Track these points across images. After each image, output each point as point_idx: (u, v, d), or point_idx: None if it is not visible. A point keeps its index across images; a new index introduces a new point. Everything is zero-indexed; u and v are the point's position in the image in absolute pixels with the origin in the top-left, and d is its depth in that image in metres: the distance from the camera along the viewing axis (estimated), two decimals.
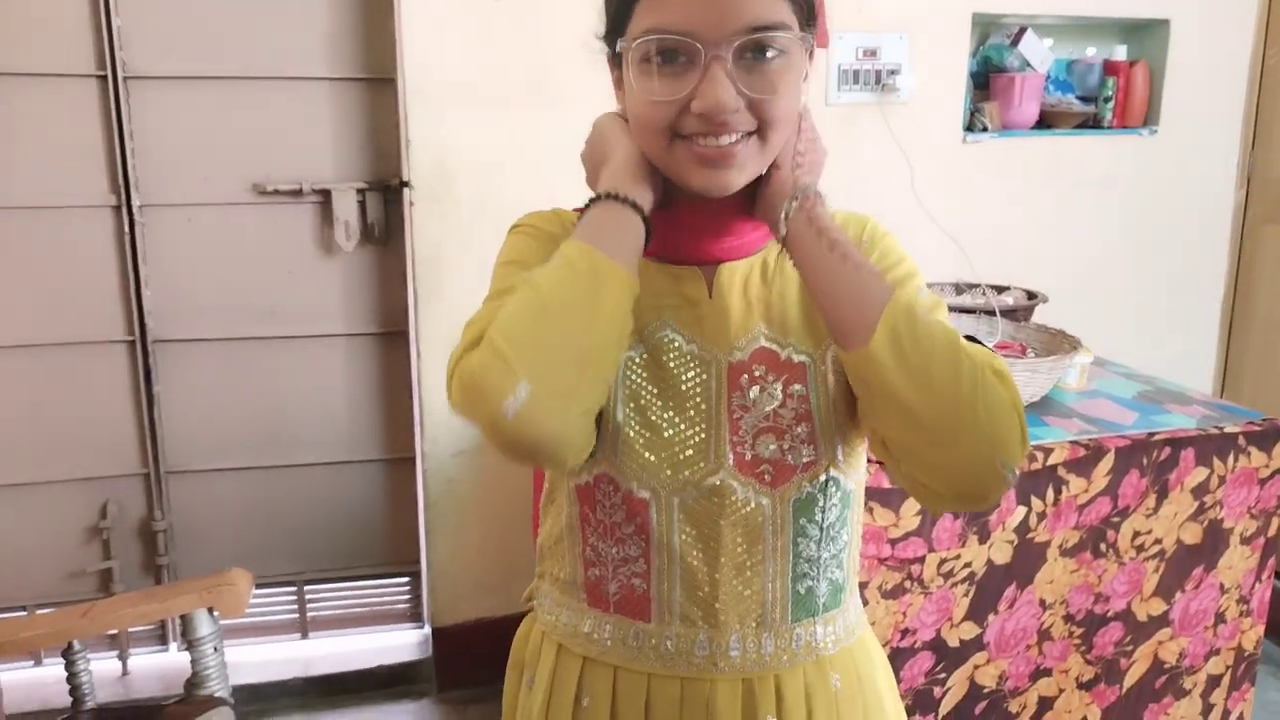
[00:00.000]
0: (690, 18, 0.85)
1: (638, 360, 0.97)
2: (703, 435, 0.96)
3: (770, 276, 1.00)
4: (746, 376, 0.96)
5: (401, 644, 2.75)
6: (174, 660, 2.64)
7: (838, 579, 1.03)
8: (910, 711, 1.79)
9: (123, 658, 2.61)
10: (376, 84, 2.46)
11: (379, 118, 2.48)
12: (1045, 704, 1.91)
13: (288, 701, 2.60)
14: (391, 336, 2.60)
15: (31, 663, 2.58)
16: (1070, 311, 2.52)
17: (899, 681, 1.73)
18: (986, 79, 2.81)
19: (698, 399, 0.96)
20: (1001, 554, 1.78)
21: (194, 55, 2.37)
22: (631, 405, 0.96)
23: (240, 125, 2.42)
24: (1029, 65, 2.76)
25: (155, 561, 2.59)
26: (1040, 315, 2.41)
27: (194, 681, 1.78)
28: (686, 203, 0.95)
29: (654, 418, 0.96)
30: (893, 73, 2.63)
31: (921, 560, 1.72)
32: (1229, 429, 1.88)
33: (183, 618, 1.77)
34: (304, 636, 2.74)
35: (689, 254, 0.98)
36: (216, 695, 1.78)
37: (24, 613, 2.53)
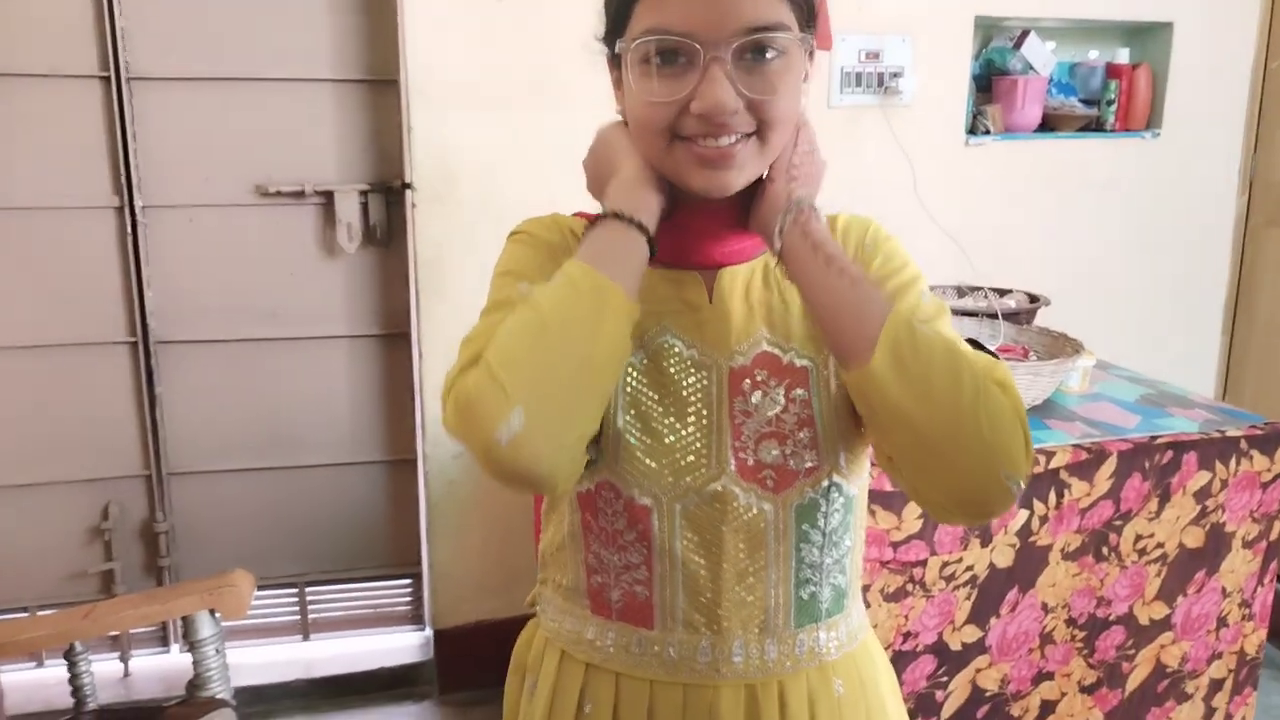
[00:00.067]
0: (689, 18, 0.85)
1: (638, 366, 0.96)
2: (704, 441, 0.95)
3: (772, 280, 0.99)
4: (749, 381, 0.96)
5: (403, 646, 2.75)
6: (175, 661, 2.64)
7: (840, 584, 1.03)
8: (912, 715, 1.79)
9: (124, 659, 2.61)
10: (379, 85, 2.46)
11: (381, 119, 2.48)
12: (1048, 707, 1.91)
13: (289, 703, 2.60)
14: (393, 338, 2.60)
15: (33, 664, 2.58)
16: (1072, 314, 2.52)
17: (901, 685, 1.73)
18: (989, 82, 2.81)
19: (699, 405, 0.96)
20: (1003, 557, 1.78)
21: (197, 56, 2.37)
22: (632, 412, 0.95)
23: (243, 126, 2.42)
24: (1031, 68, 2.76)
25: (157, 563, 2.59)
26: (1042, 318, 2.41)
27: (196, 683, 1.78)
28: (687, 206, 0.95)
29: (655, 424, 0.95)
30: (895, 75, 2.63)
31: (923, 563, 1.72)
32: (1231, 433, 1.88)
33: (184, 619, 1.77)
34: (305, 638, 2.74)
35: (689, 258, 0.98)
36: (218, 697, 1.78)
37: (26, 614, 2.53)
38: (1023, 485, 0.83)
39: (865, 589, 1.68)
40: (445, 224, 2.42)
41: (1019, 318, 2.33)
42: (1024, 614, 1.83)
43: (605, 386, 0.85)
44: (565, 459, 0.83)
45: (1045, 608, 1.84)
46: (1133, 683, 1.95)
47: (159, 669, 2.62)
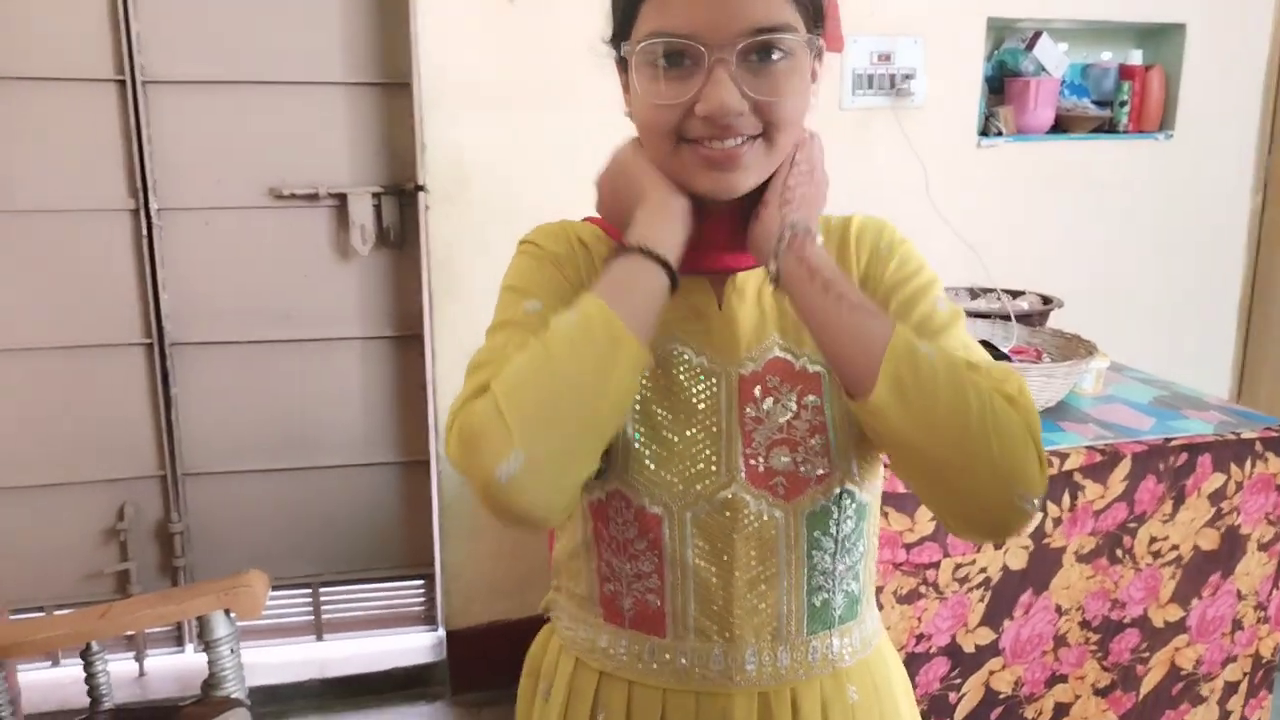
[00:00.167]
0: (694, 20, 0.84)
1: (646, 374, 0.95)
2: (714, 448, 0.95)
3: None
4: (760, 387, 0.95)
5: (416, 646, 2.76)
6: (191, 661, 2.65)
7: (854, 591, 1.02)
8: (926, 717, 1.78)
9: (140, 659, 2.62)
10: (392, 88, 2.47)
11: (394, 122, 2.49)
12: (1061, 710, 1.90)
13: (303, 703, 2.61)
14: (407, 339, 2.60)
15: (50, 663, 2.59)
16: (1086, 316, 2.52)
17: (914, 687, 1.73)
18: (1001, 83, 2.81)
19: (708, 412, 0.95)
20: (1017, 560, 1.78)
21: (211, 60, 2.38)
22: (641, 420, 0.94)
23: (257, 129, 2.44)
24: (1044, 69, 2.76)
25: (172, 563, 2.61)
26: (1056, 320, 2.40)
27: (211, 682, 1.79)
28: (695, 211, 0.93)
29: (664, 433, 0.95)
30: (907, 77, 2.63)
31: (937, 565, 1.72)
32: (1246, 435, 1.87)
33: (199, 619, 1.77)
34: (319, 638, 2.75)
35: (698, 264, 0.95)
36: (233, 696, 1.79)
37: (42, 614, 2.54)
38: (1038, 504, 0.82)
39: (879, 591, 1.67)
40: (458, 226, 2.43)
41: (1032, 319, 2.33)
42: (1037, 616, 1.82)
43: (608, 433, 0.84)
44: (561, 500, 0.82)
45: (1059, 610, 1.84)
46: (1147, 686, 1.95)
47: (174, 669, 2.64)
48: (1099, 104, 2.89)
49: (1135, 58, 2.85)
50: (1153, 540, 1.85)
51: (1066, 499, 1.77)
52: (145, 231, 2.42)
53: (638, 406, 0.95)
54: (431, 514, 2.64)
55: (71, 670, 2.52)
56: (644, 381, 0.95)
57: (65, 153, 2.36)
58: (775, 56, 0.86)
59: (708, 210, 0.93)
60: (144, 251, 2.43)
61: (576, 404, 0.80)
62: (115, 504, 2.55)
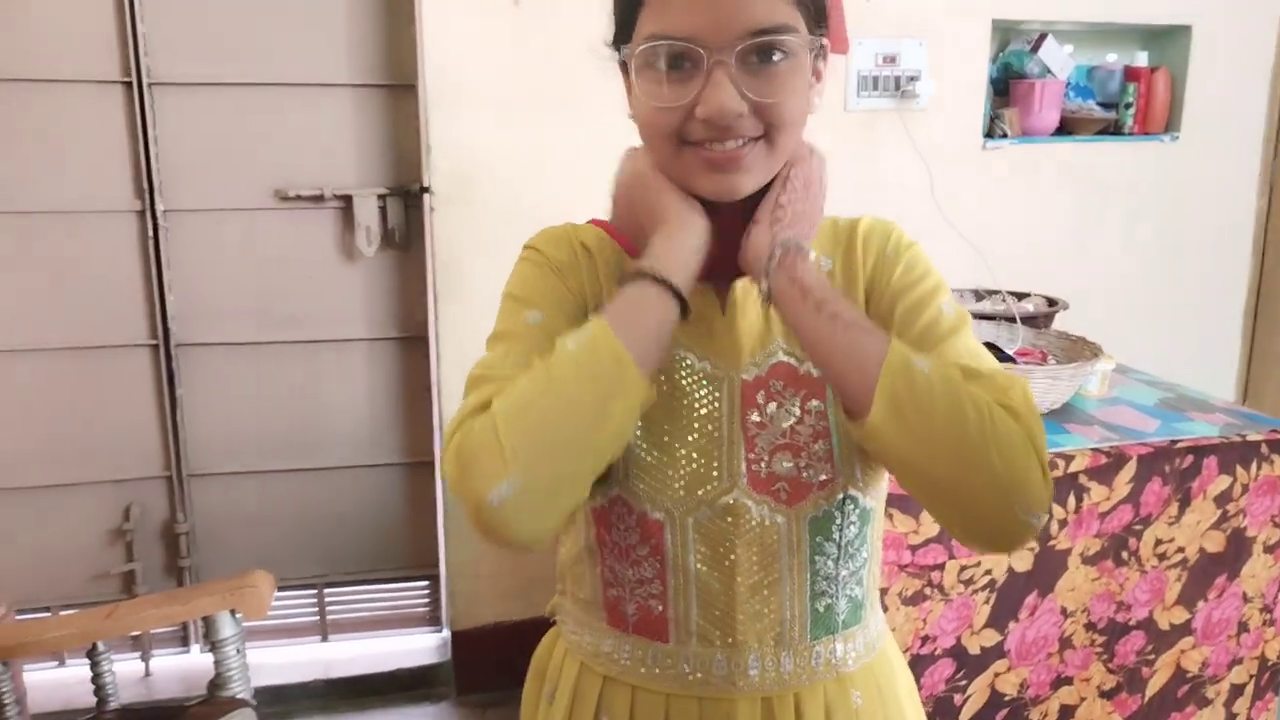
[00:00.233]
0: (692, 23, 0.83)
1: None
2: (715, 454, 0.94)
3: None
4: (763, 392, 0.95)
5: (421, 647, 2.76)
6: (196, 661, 2.66)
7: (857, 596, 1.01)
8: (931, 719, 1.78)
9: (145, 659, 2.63)
10: (397, 90, 2.48)
11: (399, 123, 2.50)
12: (1067, 712, 1.90)
13: (308, 704, 2.61)
14: (412, 341, 2.61)
15: (56, 663, 2.60)
16: (1091, 318, 2.52)
17: (919, 689, 1.73)
18: (1006, 85, 2.81)
19: (710, 417, 0.95)
20: (1022, 562, 1.78)
21: (217, 61, 2.39)
22: (642, 426, 0.94)
23: (263, 131, 2.44)
24: (1049, 71, 2.76)
25: (177, 563, 2.61)
26: (1061, 322, 2.40)
27: (216, 683, 1.79)
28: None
29: (665, 438, 0.94)
30: (912, 79, 2.62)
31: (942, 567, 1.72)
32: (1252, 437, 1.87)
33: (205, 619, 1.78)
34: (324, 639, 2.76)
35: (703, 269, 0.93)
36: (238, 696, 1.79)
37: (48, 614, 2.55)
38: (1043, 517, 0.81)
39: (883, 592, 1.67)
40: (463, 227, 2.43)
41: (1037, 321, 2.32)
42: (1043, 618, 1.82)
43: (602, 464, 0.84)
44: (549, 526, 0.82)
45: (1064, 612, 1.83)
46: (1153, 688, 1.94)
47: (180, 669, 2.64)
48: (1104, 106, 2.88)
49: (1141, 59, 2.85)
50: (1158, 542, 1.85)
51: (1072, 501, 1.77)
52: (151, 233, 2.43)
53: None
54: (436, 515, 2.64)
55: (77, 670, 2.53)
56: None
57: (72, 154, 2.37)
58: (775, 58, 0.85)
59: (711, 213, 0.92)
60: (150, 253, 2.44)
61: (574, 435, 0.80)
62: (121, 504, 2.56)
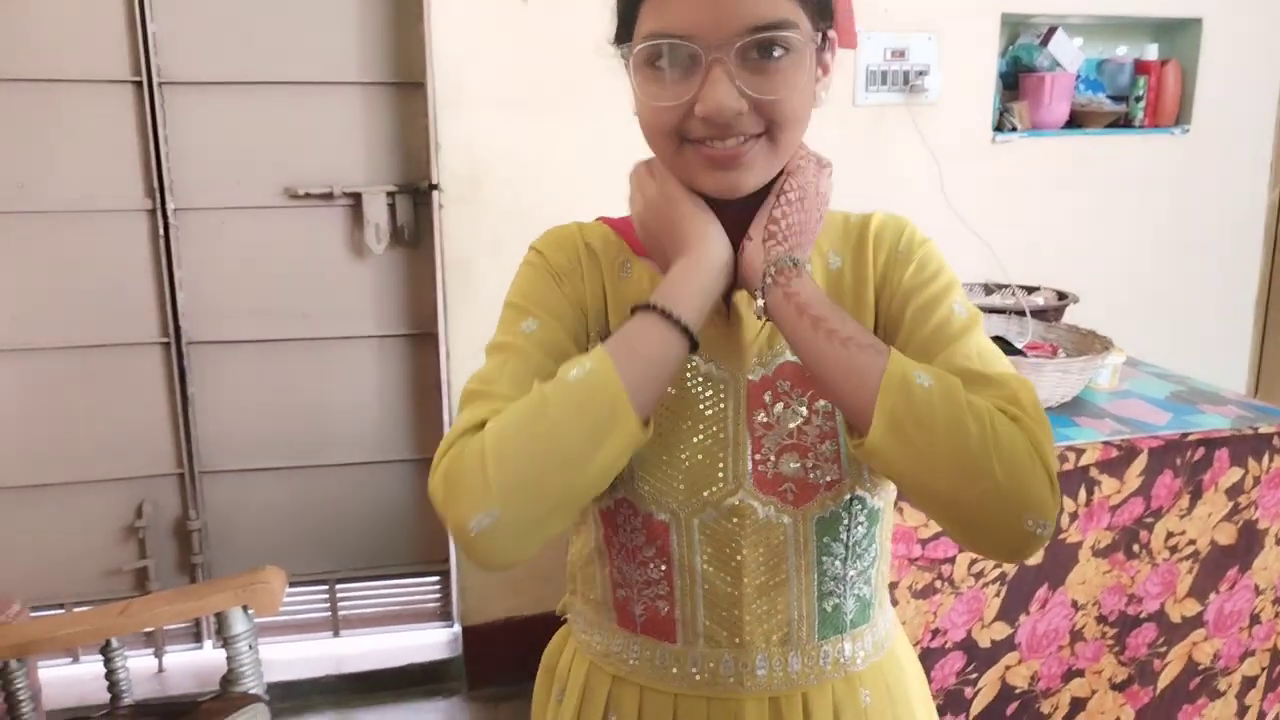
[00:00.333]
0: (691, 20, 0.83)
1: None
2: (721, 455, 0.94)
3: None
4: (770, 393, 0.94)
5: (432, 642, 2.77)
6: (209, 657, 2.67)
7: (865, 595, 1.01)
8: (941, 712, 1.78)
9: (159, 655, 2.64)
10: (406, 88, 2.48)
11: (408, 121, 2.50)
12: (1078, 705, 1.90)
13: (320, 699, 2.62)
14: (421, 338, 2.62)
15: (70, 660, 2.62)
16: (1102, 311, 2.51)
17: (929, 682, 1.73)
18: (1016, 79, 2.80)
19: (715, 418, 0.94)
20: (1033, 555, 1.77)
21: (227, 61, 2.40)
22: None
23: (272, 129, 2.45)
24: (1059, 65, 2.75)
25: (190, 560, 2.62)
26: (1072, 315, 2.39)
27: (229, 678, 1.80)
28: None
29: (670, 440, 0.94)
30: (921, 73, 2.62)
31: (952, 560, 1.72)
32: (1263, 429, 1.86)
33: (218, 615, 1.79)
34: (336, 635, 2.77)
35: None
36: (251, 692, 1.80)
37: (62, 611, 2.56)
38: (1049, 526, 0.80)
39: (894, 586, 1.67)
40: (472, 224, 2.44)
41: (1047, 315, 2.32)
42: (1054, 611, 1.82)
43: (585, 501, 0.84)
44: (530, 552, 0.83)
45: (1075, 605, 1.83)
46: (1164, 680, 1.94)
47: (193, 665, 2.66)
48: (1114, 99, 2.88)
49: (1151, 52, 2.84)
50: (1170, 535, 1.85)
51: (1083, 494, 1.77)
52: (162, 231, 2.44)
53: None
54: None
55: (92, 667, 2.54)
56: None
57: (83, 153, 2.38)
58: (776, 54, 0.84)
59: (717, 212, 0.91)
60: (161, 251, 2.45)
61: (559, 472, 0.80)
62: (134, 502, 2.57)
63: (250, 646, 1.81)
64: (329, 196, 2.48)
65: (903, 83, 2.63)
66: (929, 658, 1.75)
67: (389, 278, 2.58)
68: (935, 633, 1.75)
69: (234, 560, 2.65)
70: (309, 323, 2.56)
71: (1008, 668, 1.83)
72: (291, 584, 2.59)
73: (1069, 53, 2.76)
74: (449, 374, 2.54)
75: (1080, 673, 1.88)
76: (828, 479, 0.94)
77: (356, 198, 2.49)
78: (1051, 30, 2.74)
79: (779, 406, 0.94)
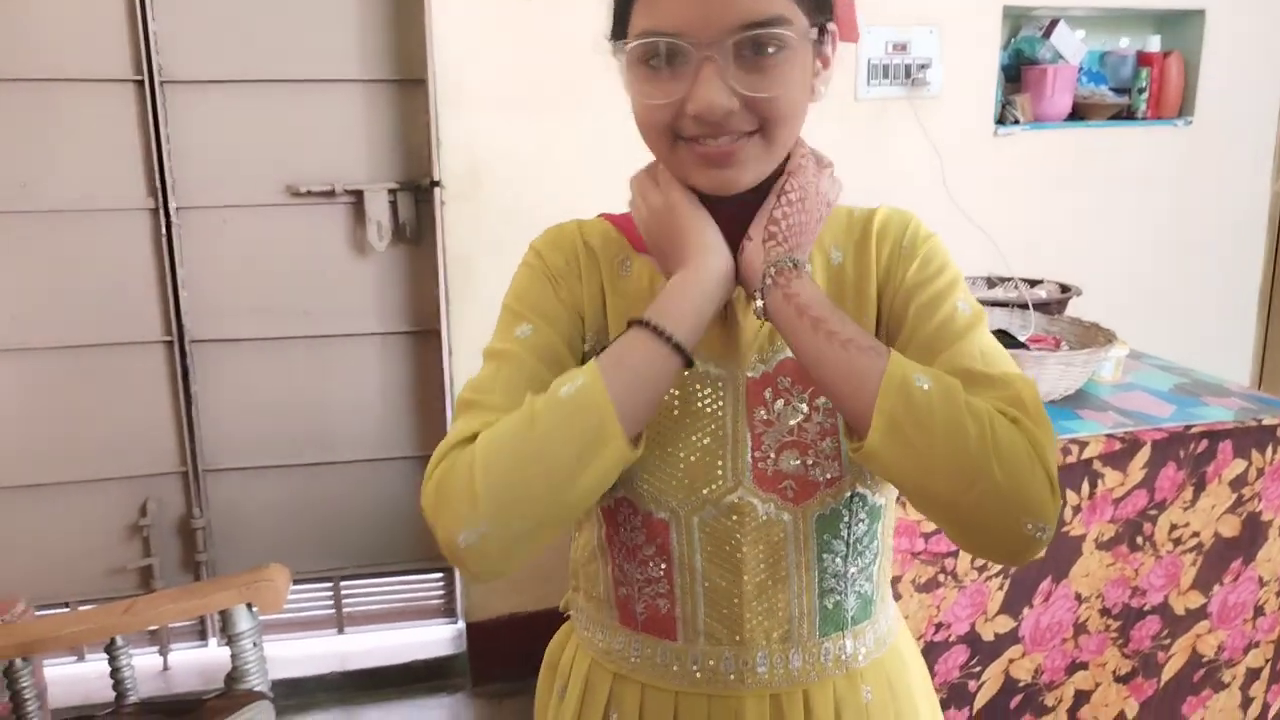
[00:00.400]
0: (682, 17, 0.82)
1: None
2: (720, 453, 0.94)
3: None
4: (770, 390, 0.94)
5: (436, 639, 2.78)
6: (214, 655, 2.68)
7: (867, 592, 1.01)
8: (945, 706, 1.78)
9: (164, 653, 2.65)
10: (407, 85, 2.48)
11: (410, 118, 2.50)
12: (1082, 697, 1.90)
13: (325, 696, 2.63)
14: (424, 335, 2.62)
15: (75, 658, 2.62)
16: (1105, 304, 2.50)
17: (933, 676, 1.73)
18: (1018, 71, 2.79)
19: (714, 416, 0.94)
20: None
21: (229, 59, 2.40)
22: (647, 426, 0.92)
23: (274, 127, 2.45)
24: (1061, 57, 2.75)
25: (194, 558, 2.63)
26: (1075, 308, 2.39)
27: (234, 676, 1.80)
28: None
29: (670, 437, 0.94)
30: (923, 67, 2.62)
31: (955, 554, 1.72)
32: (1267, 421, 1.86)
33: (222, 613, 1.79)
34: (340, 631, 2.77)
35: None
36: (256, 689, 1.81)
37: (67, 609, 2.57)
38: (1049, 530, 0.79)
39: (897, 580, 1.67)
40: (473, 221, 2.44)
41: (1050, 308, 2.32)
42: (1057, 604, 1.82)
43: (573, 518, 0.84)
44: (518, 564, 0.83)
45: (1079, 598, 1.83)
46: (1168, 672, 1.94)
47: (198, 662, 2.66)
48: (1117, 91, 2.87)
49: (1153, 44, 2.83)
50: (1173, 527, 1.84)
51: (1086, 487, 1.76)
52: (164, 230, 2.44)
53: None
54: None
55: (96, 665, 2.54)
56: None
57: (84, 153, 2.38)
58: (768, 51, 0.83)
59: (714, 208, 0.91)
60: (163, 250, 2.45)
61: (547, 490, 0.80)
62: (138, 500, 2.58)
63: (255, 644, 1.81)
64: (330, 194, 2.48)
65: (904, 76, 2.62)
66: (932, 651, 1.75)
67: (391, 275, 2.58)
68: (939, 626, 1.75)
69: (238, 558, 2.65)
70: (311, 320, 2.57)
71: (1011, 661, 1.83)
72: (296, 581, 2.59)
73: (1071, 45, 2.75)
74: (451, 370, 2.54)
75: (1084, 665, 1.88)
76: (828, 476, 0.93)
77: (358, 195, 2.49)
78: (1054, 22, 2.74)
79: (779, 403, 0.94)
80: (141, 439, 2.55)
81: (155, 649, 2.65)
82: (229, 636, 1.80)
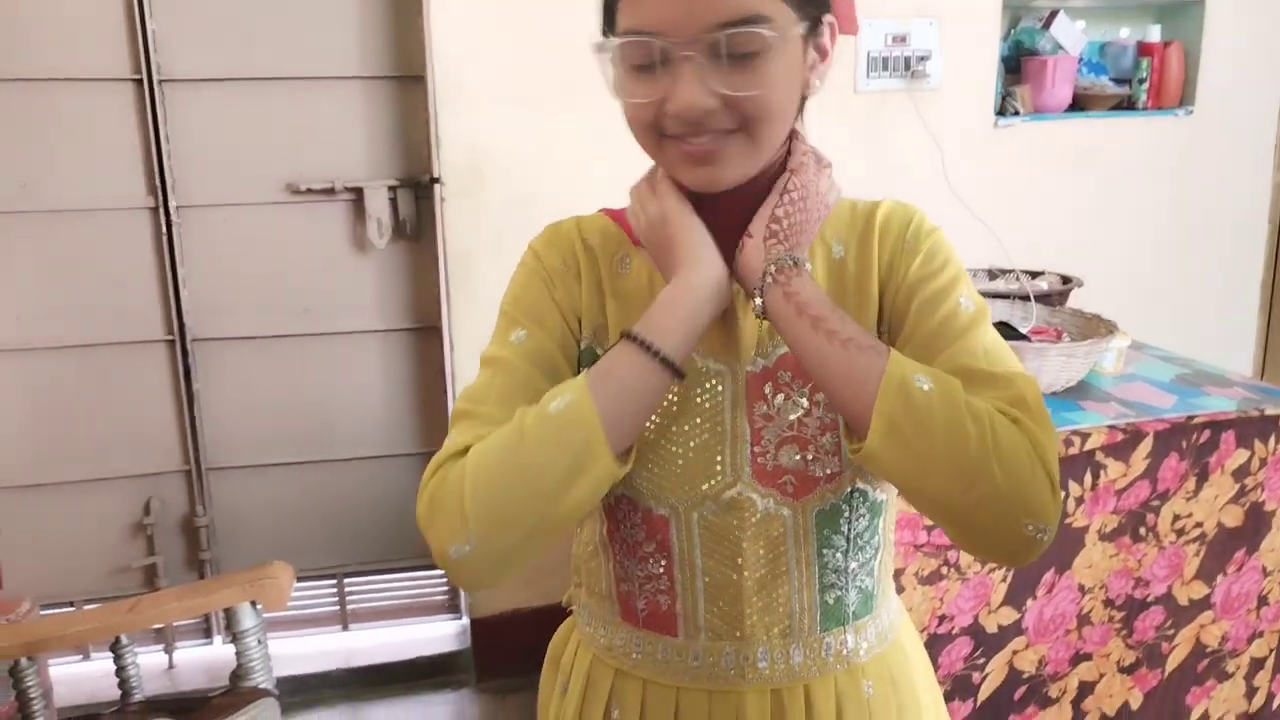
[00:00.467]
0: (662, 15, 0.81)
1: None
2: (719, 448, 0.93)
3: None
4: (770, 384, 0.93)
5: (440, 635, 2.78)
6: (218, 653, 2.68)
7: (868, 587, 1.00)
8: (949, 697, 1.78)
9: (168, 651, 2.66)
10: (407, 82, 2.48)
11: (409, 115, 2.50)
12: (1086, 688, 1.90)
13: (330, 693, 2.63)
14: (425, 331, 2.62)
15: (80, 657, 2.63)
16: (1106, 295, 2.50)
17: (937, 668, 1.73)
18: (1018, 62, 2.79)
19: (713, 412, 0.94)
20: None
21: (227, 57, 2.40)
22: (646, 423, 0.93)
23: (273, 125, 2.45)
24: (1061, 48, 2.74)
25: (198, 556, 2.63)
26: (1076, 299, 2.39)
27: (239, 673, 1.81)
28: (699, 206, 0.91)
29: (668, 434, 0.94)
30: (922, 59, 2.61)
31: (958, 546, 1.72)
32: (1269, 411, 1.86)
33: (226, 611, 1.79)
34: (345, 628, 2.78)
35: None
36: (261, 687, 1.81)
37: (72, 608, 2.58)
38: (1050, 530, 0.79)
39: (900, 572, 1.67)
40: (473, 218, 2.44)
41: (1051, 299, 2.31)
42: (1061, 595, 1.82)
43: (561, 533, 0.85)
44: (508, 576, 0.85)
45: (1082, 589, 1.83)
46: (1172, 663, 1.94)
47: (202, 660, 2.67)
48: (1117, 81, 2.86)
49: (1154, 34, 2.83)
50: (1176, 518, 1.84)
51: (1088, 478, 1.76)
52: (165, 229, 2.44)
53: None
54: None
55: (102, 664, 2.56)
56: None
57: (84, 152, 2.38)
58: (749, 50, 0.82)
59: (711, 204, 0.90)
60: (164, 249, 2.45)
61: (535, 506, 0.81)
62: (141, 499, 2.58)
63: (259, 641, 1.81)
64: (330, 191, 2.48)
65: (904, 68, 2.62)
66: (936, 644, 1.75)
67: (392, 272, 2.58)
68: (942, 619, 1.75)
69: (242, 556, 2.66)
70: (313, 318, 2.57)
71: (1015, 652, 1.83)
72: (300, 578, 2.59)
73: (1071, 35, 2.75)
74: (453, 367, 2.54)
75: (1088, 656, 1.88)
76: (828, 471, 0.93)
77: (358, 192, 2.49)
78: (1053, 13, 2.73)
79: (779, 398, 0.93)
80: (144, 438, 2.55)
81: (160, 647, 2.66)
82: (233, 634, 1.80)
